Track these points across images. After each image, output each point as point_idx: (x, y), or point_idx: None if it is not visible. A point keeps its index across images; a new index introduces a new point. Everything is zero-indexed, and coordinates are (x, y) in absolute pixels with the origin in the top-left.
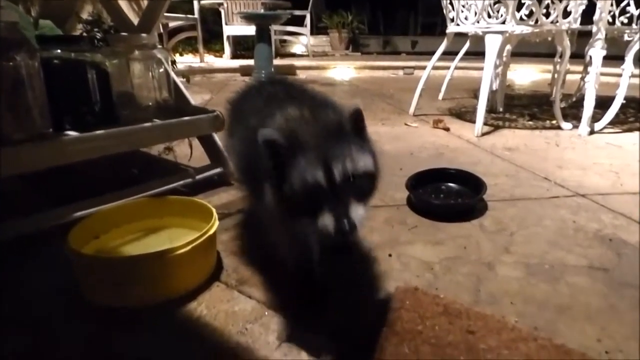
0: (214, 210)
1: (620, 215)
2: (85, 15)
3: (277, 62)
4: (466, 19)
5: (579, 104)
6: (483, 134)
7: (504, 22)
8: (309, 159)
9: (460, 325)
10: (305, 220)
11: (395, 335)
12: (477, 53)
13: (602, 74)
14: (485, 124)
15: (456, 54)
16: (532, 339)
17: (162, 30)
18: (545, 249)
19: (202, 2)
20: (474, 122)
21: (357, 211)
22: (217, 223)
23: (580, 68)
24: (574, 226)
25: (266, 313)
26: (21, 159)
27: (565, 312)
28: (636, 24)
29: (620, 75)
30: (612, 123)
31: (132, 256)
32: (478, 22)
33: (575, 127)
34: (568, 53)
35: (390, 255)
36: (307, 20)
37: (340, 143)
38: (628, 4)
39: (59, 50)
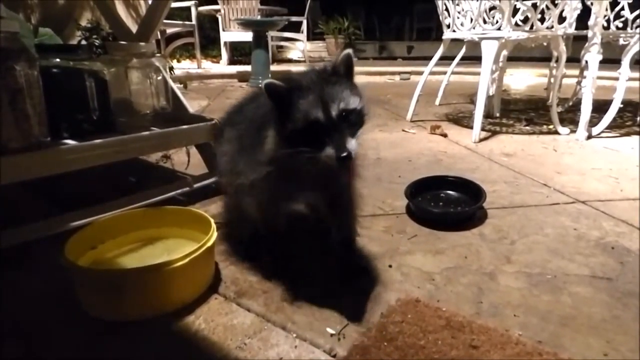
0: (212, 220)
1: (622, 222)
2: (84, 23)
3: (274, 67)
4: (462, 25)
5: (575, 108)
6: (481, 140)
7: (499, 28)
8: (309, 100)
9: (464, 340)
10: (307, 150)
11: (397, 350)
12: (473, 58)
13: (598, 78)
14: (482, 129)
15: (452, 59)
16: (537, 354)
17: (159, 37)
18: (546, 257)
19: (199, 8)
20: (471, 127)
21: (352, 143)
22: (215, 234)
23: (576, 72)
24: (575, 234)
25: (265, 327)
26: (19, 168)
27: (569, 324)
28: (631, 28)
29: (616, 79)
30: (610, 127)
31: (128, 269)
32: (474, 28)
33: (573, 131)
34: (564, 58)
35: (390, 265)
36: (304, 26)
37: (334, 86)
38: (622, 8)
39: (57, 59)
